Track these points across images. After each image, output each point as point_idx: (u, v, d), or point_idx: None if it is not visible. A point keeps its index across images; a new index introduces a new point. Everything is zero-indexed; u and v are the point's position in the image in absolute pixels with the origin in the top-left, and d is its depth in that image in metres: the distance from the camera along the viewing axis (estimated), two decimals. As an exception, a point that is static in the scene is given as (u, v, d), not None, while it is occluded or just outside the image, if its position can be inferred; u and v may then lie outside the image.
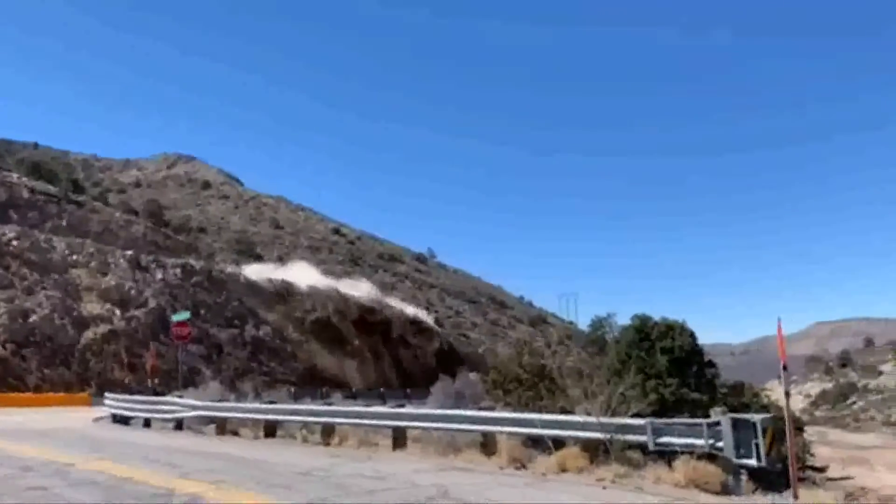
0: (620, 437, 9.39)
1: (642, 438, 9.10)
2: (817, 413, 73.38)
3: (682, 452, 8.67)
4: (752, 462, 7.95)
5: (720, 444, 8.28)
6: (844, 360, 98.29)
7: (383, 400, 33.19)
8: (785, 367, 7.96)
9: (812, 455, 31.46)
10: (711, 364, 26.00)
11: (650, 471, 8.97)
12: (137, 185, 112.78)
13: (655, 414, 12.89)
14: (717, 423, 8.35)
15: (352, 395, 32.79)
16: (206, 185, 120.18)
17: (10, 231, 52.97)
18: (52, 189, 71.29)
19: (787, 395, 8.12)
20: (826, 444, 42.44)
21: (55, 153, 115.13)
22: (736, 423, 8.16)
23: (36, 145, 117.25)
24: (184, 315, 28.83)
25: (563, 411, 12.39)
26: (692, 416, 19.35)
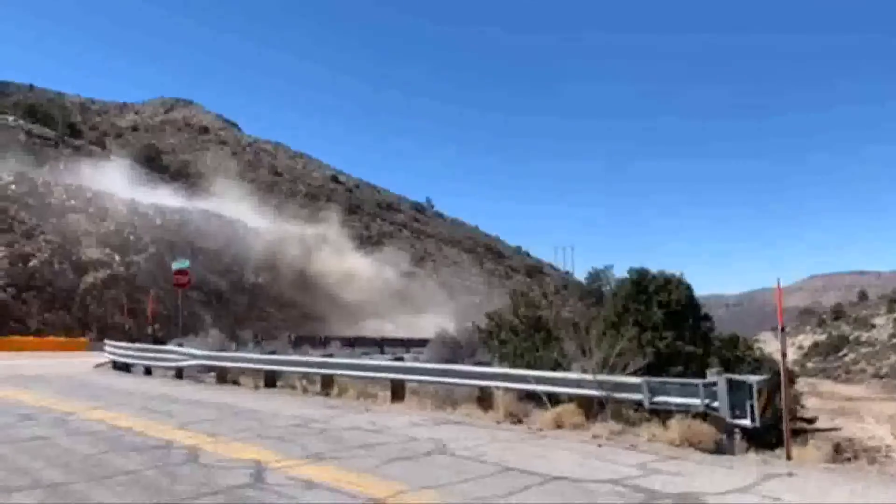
0: (616, 395, 9.46)
1: (638, 397, 9.17)
2: (809, 364, 74.17)
3: (678, 411, 8.74)
4: (747, 422, 8.02)
5: (715, 403, 8.34)
6: (838, 313, 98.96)
7: (381, 349, 33.54)
8: (783, 329, 7.97)
9: (802, 406, 31.92)
10: (707, 317, 26.14)
11: (645, 428, 9.05)
12: (135, 129, 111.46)
13: (651, 367, 12.98)
14: (713, 384, 8.39)
15: (349, 344, 33.06)
16: (204, 130, 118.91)
17: (7, 175, 52.65)
18: (48, 133, 70.57)
19: (784, 356, 8.14)
20: (816, 396, 42.94)
21: (51, 95, 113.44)
22: (731, 384, 8.20)
23: (31, 87, 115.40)
24: (183, 263, 28.80)
25: (559, 364, 12.44)
26: (686, 369, 19.49)
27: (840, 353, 76.67)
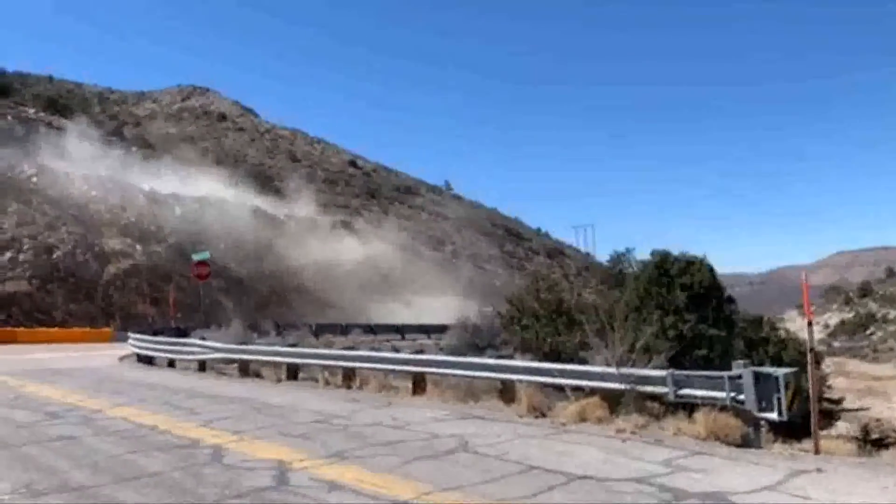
0: (641, 388, 9.36)
1: (663, 390, 9.06)
2: (835, 344, 73.30)
3: (703, 404, 8.62)
4: (774, 416, 7.89)
5: (741, 396, 8.21)
6: (864, 290, 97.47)
7: (401, 335, 33.61)
8: (810, 323, 7.82)
9: (829, 387, 31.59)
10: (731, 300, 25.87)
11: (670, 422, 8.95)
12: (153, 117, 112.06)
13: (675, 359, 12.83)
14: (739, 377, 8.26)
15: (370, 331, 33.17)
16: (222, 117, 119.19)
17: (29, 167, 53.19)
18: (69, 124, 71.17)
19: (812, 350, 7.99)
20: (843, 375, 42.48)
21: (70, 86, 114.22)
22: (758, 377, 8.06)
23: (51, 78, 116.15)
24: (203, 255, 29.09)
25: (582, 347, 12.29)
26: (710, 351, 19.23)
27: (867, 332, 75.71)
